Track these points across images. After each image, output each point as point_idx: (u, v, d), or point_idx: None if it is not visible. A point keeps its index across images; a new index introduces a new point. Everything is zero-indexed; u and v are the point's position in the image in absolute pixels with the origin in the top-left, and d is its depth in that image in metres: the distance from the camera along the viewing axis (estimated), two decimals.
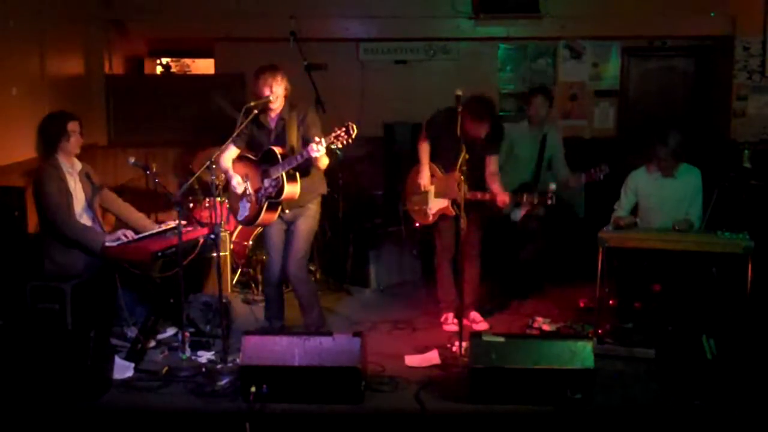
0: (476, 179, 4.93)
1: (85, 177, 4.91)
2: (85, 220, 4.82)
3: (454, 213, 4.96)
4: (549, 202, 4.80)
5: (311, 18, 7.01)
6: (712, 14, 7.36)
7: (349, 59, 7.71)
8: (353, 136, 4.33)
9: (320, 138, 4.31)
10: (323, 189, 4.92)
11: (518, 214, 5.64)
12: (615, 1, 7.38)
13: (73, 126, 4.83)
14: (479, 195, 4.93)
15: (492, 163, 5.09)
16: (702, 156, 5.54)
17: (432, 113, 5.19)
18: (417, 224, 5.37)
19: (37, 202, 4.81)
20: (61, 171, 4.77)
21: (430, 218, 5.16)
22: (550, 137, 5.77)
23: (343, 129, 4.34)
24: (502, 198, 4.89)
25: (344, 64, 7.68)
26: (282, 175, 4.53)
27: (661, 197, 5.04)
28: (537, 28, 7.41)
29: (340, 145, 4.37)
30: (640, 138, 7.18)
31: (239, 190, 4.73)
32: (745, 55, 7.37)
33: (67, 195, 4.74)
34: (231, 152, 4.74)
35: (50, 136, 4.82)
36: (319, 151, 4.33)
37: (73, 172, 4.85)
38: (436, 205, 5.12)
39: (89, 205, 4.89)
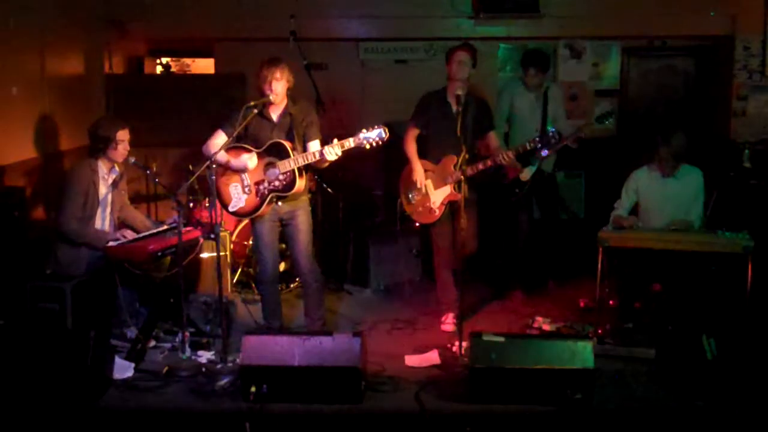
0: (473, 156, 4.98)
1: (114, 182, 4.89)
2: (105, 223, 4.82)
3: (460, 196, 4.79)
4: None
5: (311, 18, 7.00)
6: (712, 14, 7.34)
7: (349, 59, 7.70)
8: (386, 141, 4.42)
9: (335, 141, 4.44)
10: (311, 184, 5.28)
11: (532, 170, 5.56)
12: (615, 1, 7.36)
13: (122, 135, 4.79)
14: (480, 165, 4.93)
15: (492, 138, 5.12)
16: (702, 156, 5.54)
17: (418, 101, 5.24)
18: (417, 224, 5.35)
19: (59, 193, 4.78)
20: (96, 175, 4.75)
21: (437, 213, 5.06)
22: (552, 92, 5.80)
23: (376, 133, 4.41)
24: (506, 156, 4.89)
25: (344, 63, 7.67)
26: (295, 170, 4.55)
27: (662, 197, 5.03)
28: (537, 28, 7.39)
29: (368, 147, 4.44)
30: (640, 138, 7.20)
31: (251, 166, 4.65)
32: (745, 54, 7.36)
33: (91, 202, 4.71)
34: (220, 139, 4.67)
35: (98, 141, 4.76)
36: (333, 154, 4.45)
37: (108, 179, 4.84)
38: (439, 196, 5.06)
39: (111, 210, 4.89)
